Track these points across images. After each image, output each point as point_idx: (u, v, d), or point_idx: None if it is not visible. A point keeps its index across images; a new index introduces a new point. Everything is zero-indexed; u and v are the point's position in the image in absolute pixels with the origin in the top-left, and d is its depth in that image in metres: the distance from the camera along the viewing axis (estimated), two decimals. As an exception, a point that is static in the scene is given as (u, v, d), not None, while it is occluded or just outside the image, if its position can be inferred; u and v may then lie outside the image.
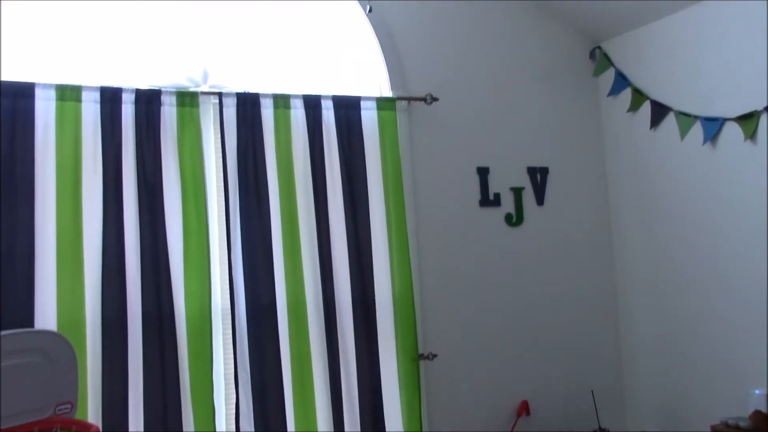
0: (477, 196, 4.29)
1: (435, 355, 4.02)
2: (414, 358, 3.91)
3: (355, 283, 3.83)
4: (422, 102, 4.14)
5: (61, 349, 3.02)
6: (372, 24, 4.07)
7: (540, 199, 4.49)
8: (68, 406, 3.05)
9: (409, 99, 4.11)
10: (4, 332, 3.02)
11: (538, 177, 4.49)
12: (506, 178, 4.39)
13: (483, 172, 4.31)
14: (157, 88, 3.53)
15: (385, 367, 3.88)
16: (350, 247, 3.83)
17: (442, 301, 4.14)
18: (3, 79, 3.26)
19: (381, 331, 3.89)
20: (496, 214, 4.35)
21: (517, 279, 4.35)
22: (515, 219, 4.39)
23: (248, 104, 3.68)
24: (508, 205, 4.38)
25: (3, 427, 2.82)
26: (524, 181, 4.45)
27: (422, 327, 4.04)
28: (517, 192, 4.41)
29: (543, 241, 4.46)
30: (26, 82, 3.27)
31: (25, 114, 3.25)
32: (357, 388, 3.80)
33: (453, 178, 4.24)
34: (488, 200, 4.32)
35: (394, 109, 4.01)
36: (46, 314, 3.25)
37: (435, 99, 4.16)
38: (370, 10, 2.88)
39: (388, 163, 3.96)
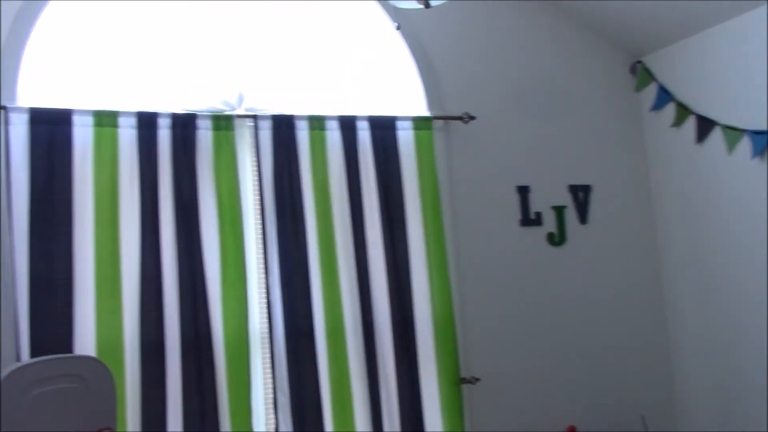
0: (518, 215, 4.20)
1: (477, 379, 3.91)
2: (456, 382, 3.81)
3: (394, 304, 3.75)
4: (459, 121, 4.08)
5: (100, 374, 3.01)
6: (408, 43, 4.04)
7: (583, 218, 4.37)
8: (108, 431, 3.03)
9: (446, 118, 4.06)
10: (42, 358, 3.03)
11: (581, 195, 4.38)
12: (547, 196, 4.28)
13: (523, 191, 4.22)
14: (192, 113, 3.54)
15: (427, 390, 3.78)
16: (388, 269, 3.76)
17: (484, 323, 4.04)
18: (41, 106, 3.30)
19: (421, 354, 3.80)
20: (538, 234, 4.25)
21: (561, 299, 4.23)
22: (558, 238, 4.28)
23: (283, 126, 3.67)
24: (550, 224, 4.28)
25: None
26: (566, 200, 4.34)
27: (464, 350, 3.94)
28: (559, 211, 4.31)
29: (587, 260, 4.33)
30: (64, 109, 3.30)
31: (63, 140, 3.28)
32: (398, 412, 3.70)
33: (493, 198, 4.16)
34: (529, 219, 4.22)
35: (430, 128, 3.95)
36: (85, 340, 3.24)
37: (472, 117, 4.10)
38: (398, 28, 2.86)
39: (426, 183, 3.89)
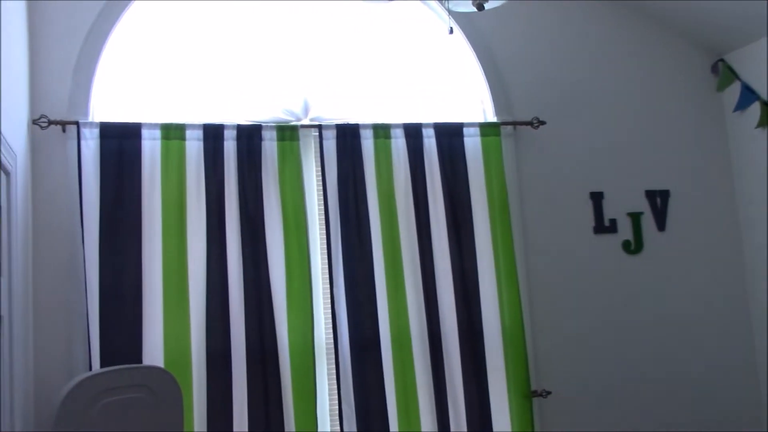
0: (591, 222, 4.04)
1: (549, 392, 3.79)
2: (526, 395, 3.70)
3: (461, 314, 3.66)
4: (528, 126, 3.96)
5: (167, 384, 3.04)
6: (474, 47, 3.95)
7: (661, 225, 4.17)
8: (175, 440, 3.07)
9: (515, 123, 3.94)
10: (111, 368, 3.08)
11: (659, 201, 4.18)
12: (623, 202, 4.10)
13: (597, 197, 4.06)
14: (257, 124, 3.56)
15: (496, 403, 3.67)
16: (455, 278, 3.68)
17: (556, 335, 3.90)
18: (111, 120, 3.38)
19: (490, 366, 3.69)
20: (613, 241, 4.08)
21: (638, 310, 4.04)
22: (634, 246, 4.09)
23: (348, 135, 3.64)
24: (625, 231, 4.10)
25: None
26: (643, 206, 4.15)
27: (534, 362, 3.82)
28: (636, 217, 4.12)
29: (666, 269, 4.12)
30: (133, 123, 3.37)
31: (132, 154, 3.35)
32: (466, 424, 3.61)
33: (564, 205, 4.02)
34: (603, 227, 4.06)
35: (498, 134, 3.85)
36: (154, 350, 3.29)
37: (542, 122, 3.98)
38: (450, 32, 2.81)
39: (494, 190, 3.79)
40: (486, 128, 3.84)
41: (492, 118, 3.94)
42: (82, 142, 3.28)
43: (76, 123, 3.30)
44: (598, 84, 4.17)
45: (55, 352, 3.24)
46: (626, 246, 4.08)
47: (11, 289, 2.68)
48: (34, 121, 3.28)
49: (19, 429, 2.79)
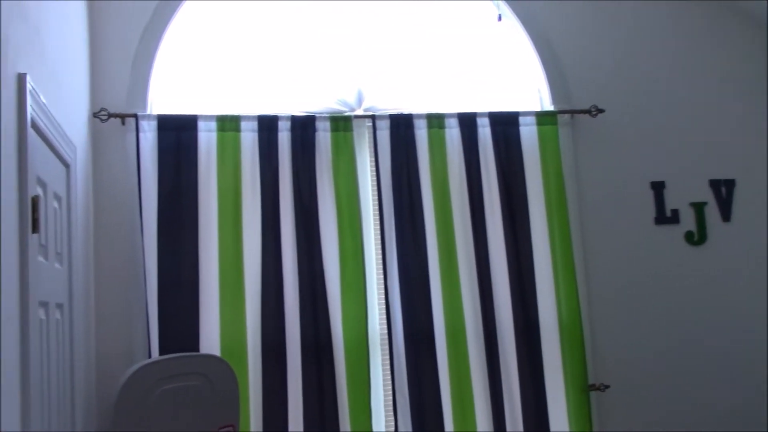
0: (652, 213, 3.92)
1: (607, 386, 3.70)
2: (584, 389, 3.62)
3: (517, 307, 3.60)
4: (586, 114, 3.86)
5: (223, 373, 3.07)
6: (529, 34, 3.86)
7: (726, 215, 4.01)
8: (230, 429, 3.10)
9: (572, 112, 3.84)
10: (169, 356, 3.12)
11: (723, 190, 4.03)
12: (685, 192, 3.96)
13: (658, 187, 3.94)
14: (311, 114, 3.56)
15: (552, 397, 3.61)
16: (511, 270, 3.62)
17: (614, 328, 3.80)
18: (168, 113, 3.43)
19: (547, 359, 3.62)
20: (675, 232, 3.95)
21: (700, 303, 3.90)
22: (697, 237, 3.96)
23: (402, 125, 3.61)
24: (688, 222, 3.96)
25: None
26: (707, 196, 4.00)
27: (592, 355, 3.74)
28: (699, 207, 3.98)
29: (730, 261, 3.97)
30: (189, 115, 3.40)
31: (189, 146, 3.39)
32: (521, 418, 3.55)
33: (624, 195, 3.91)
34: (665, 217, 3.93)
35: (555, 123, 3.76)
36: (210, 338, 3.33)
37: (600, 110, 3.87)
38: (499, 19, 2.74)
39: (551, 181, 3.71)
40: (542, 117, 3.75)
41: (549, 106, 3.86)
42: (141, 135, 3.34)
43: (135, 116, 3.35)
44: (658, 69, 4.03)
45: (116, 339, 3.31)
46: (689, 237, 3.95)
47: (72, 278, 2.74)
48: (95, 114, 3.36)
49: (81, 413, 2.86)
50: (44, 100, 2.29)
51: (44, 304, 2.31)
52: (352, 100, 3.66)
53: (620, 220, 3.88)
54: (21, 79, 2.05)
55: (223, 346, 3.31)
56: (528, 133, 3.73)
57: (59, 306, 2.55)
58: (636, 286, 3.84)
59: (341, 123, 3.56)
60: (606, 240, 3.84)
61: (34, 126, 2.18)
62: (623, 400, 3.74)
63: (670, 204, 3.94)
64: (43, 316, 2.30)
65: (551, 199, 3.69)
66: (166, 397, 2.93)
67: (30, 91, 2.07)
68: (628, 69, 3.99)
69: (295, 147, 3.50)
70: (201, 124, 3.39)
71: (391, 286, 3.51)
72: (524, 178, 3.69)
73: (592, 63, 3.95)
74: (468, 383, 3.53)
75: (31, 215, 2.12)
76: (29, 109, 2.08)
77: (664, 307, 3.85)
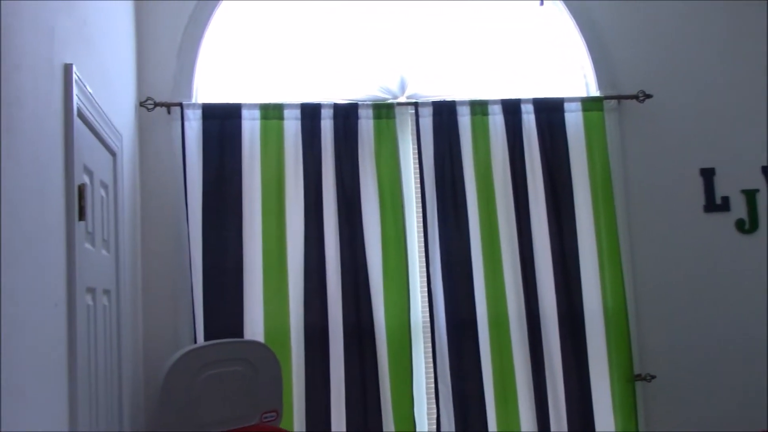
0: (701, 200, 3.80)
1: (653, 377, 3.62)
2: (630, 379, 3.54)
3: (561, 296, 3.53)
4: (633, 100, 3.76)
5: (267, 359, 3.08)
6: (575, 18, 3.76)
7: (779, 202, 3.89)
8: (273, 414, 3.12)
9: (619, 97, 3.74)
10: (213, 342, 3.14)
11: (776, 177, 3.91)
12: (736, 179, 3.82)
13: (708, 174, 3.81)
14: (354, 102, 3.55)
15: (597, 387, 3.53)
16: (555, 258, 3.55)
17: (661, 317, 3.70)
18: (212, 101, 3.45)
19: (591, 348, 3.55)
20: (725, 220, 3.82)
21: (750, 292, 3.76)
22: (748, 225, 3.82)
23: (445, 112, 3.56)
24: (739, 209, 3.83)
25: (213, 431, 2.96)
26: (759, 182, 3.85)
27: (638, 345, 3.65)
28: (750, 195, 3.84)
29: (783, 250, 3.86)
30: (233, 104, 3.41)
31: (233, 134, 3.40)
32: (565, 408, 3.49)
33: (672, 182, 3.80)
34: (715, 205, 3.81)
35: (601, 109, 3.67)
36: (254, 325, 3.34)
37: (648, 96, 3.77)
38: (541, 3, 2.67)
39: (597, 168, 3.62)
40: (588, 103, 3.66)
41: (595, 92, 3.77)
42: (186, 123, 3.36)
43: (180, 105, 3.38)
44: (708, 52, 3.89)
45: (163, 325, 3.35)
46: (740, 225, 3.82)
47: (119, 265, 2.78)
48: (141, 104, 3.40)
49: (128, 398, 2.91)
50: (90, 90, 2.31)
51: (91, 290, 2.35)
52: (395, 87, 3.63)
53: (668, 208, 3.78)
54: (67, 69, 2.07)
55: (267, 333, 3.33)
56: (573, 119, 3.65)
57: (106, 292, 2.59)
58: (684, 274, 3.74)
59: (384, 110, 3.54)
60: (653, 228, 3.75)
61: (81, 115, 2.20)
62: (669, 391, 3.65)
63: (720, 191, 3.81)
64: (90, 302, 2.33)
65: (597, 187, 3.61)
66: (210, 383, 2.96)
67: (76, 81, 2.09)
68: (677, 52, 3.87)
69: (338, 135, 3.49)
70: (245, 113, 3.41)
71: (433, 273, 3.48)
72: (569, 166, 3.62)
73: (640, 47, 3.84)
74: (511, 372, 3.49)
75: (78, 203, 2.15)
76: (75, 99, 2.11)
77: (713, 296, 3.75)
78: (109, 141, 2.61)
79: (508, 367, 3.49)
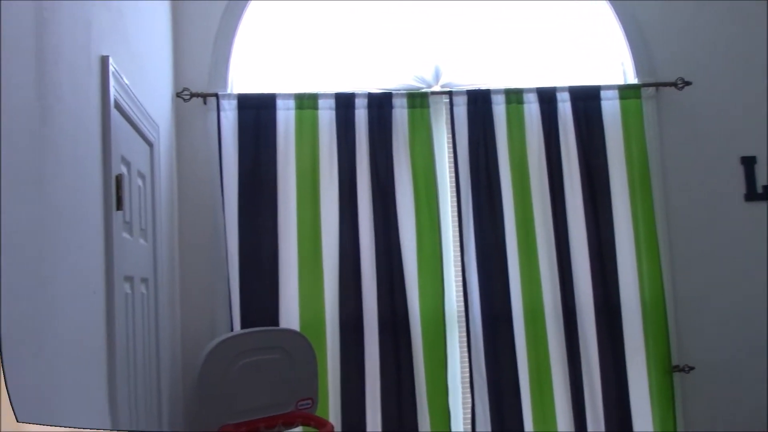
0: (742, 189, 3.70)
1: (692, 368, 3.54)
2: (667, 371, 3.47)
3: (597, 286, 3.48)
4: (672, 87, 3.68)
5: (303, 347, 3.08)
6: (612, 4, 3.69)
7: (822, 191, 3.77)
8: (309, 402, 3.13)
9: (657, 85, 3.66)
10: (251, 329, 3.15)
11: (820, 165, 3.78)
12: (778, 167, 3.75)
13: (749, 162, 3.70)
14: (388, 91, 3.52)
15: (634, 378, 3.47)
16: (591, 249, 3.49)
17: (700, 308, 3.62)
18: (248, 92, 3.44)
19: (628, 340, 3.48)
20: (766, 209, 3.75)
21: (794, 284, 3.70)
22: (790, 215, 3.74)
23: (479, 101, 3.51)
24: (781, 198, 3.75)
25: (249, 419, 2.97)
26: (801, 171, 3.77)
27: (676, 336, 3.59)
28: (793, 183, 3.76)
29: (827, 239, 3.74)
30: (268, 94, 3.40)
31: (268, 124, 3.40)
32: (602, 399, 3.44)
33: (711, 171, 3.70)
34: (756, 194, 3.69)
35: (639, 97, 3.58)
36: (290, 313, 3.35)
37: (687, 83, 3.67)
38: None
39: (634, 156, 3.54)
40: (625, 91, 3.58)
41: (632, 79, 3.69)
42: (221, 114, 3.37)
43: (216, 95, 3.40)
44: (748, 37, 3.76)
45: (200, 313, 3.36)
46: (782, 214, 3.74)
47: (156, 254, 2.80)
48: (178, 94, 3.42)
49: (167, 384, 2.95)
50: (127, 82, 2.33)
51: (129, 279, 2.37)
52: (429, 76, 3.59)
53: (708, 197, 3.69)
54: (104, 61, 2.08)
55: (302, 322, 3.33)
56: (610, 107, 3.58)
57: (144, 281, 2.61)
58: (723, 264, 3.65)
59: (418, 99, 3.51)
60: (693, 217, 3.66)
61: (117, 106, 2.22)
62: (708, 382, 3.58)
63: (761, 180, 3.71)
64: (128, 290, 2.36)
65: (634, 176, 3.54)
66: (247, 371, 2.97)
67: (113, 72, 2.11)
68: (716, 38, 3.76)
69: (372, 124, 3.47)
70: (279, 103, 3.40)
71: (468, 263, 3.45)
72: (605, 154, 3.55)
73: (678, 33, 3.74)
74: (546, 362, 3.44)
75: (116, 193, 2.17)
76: (112, 91, 2.12)
77: (753, 285, 3.64)
78: (146, 131, 2.63)
79: (544, 358, 3.44)
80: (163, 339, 2.88)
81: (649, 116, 3.62)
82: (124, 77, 2.29)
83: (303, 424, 3.06)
